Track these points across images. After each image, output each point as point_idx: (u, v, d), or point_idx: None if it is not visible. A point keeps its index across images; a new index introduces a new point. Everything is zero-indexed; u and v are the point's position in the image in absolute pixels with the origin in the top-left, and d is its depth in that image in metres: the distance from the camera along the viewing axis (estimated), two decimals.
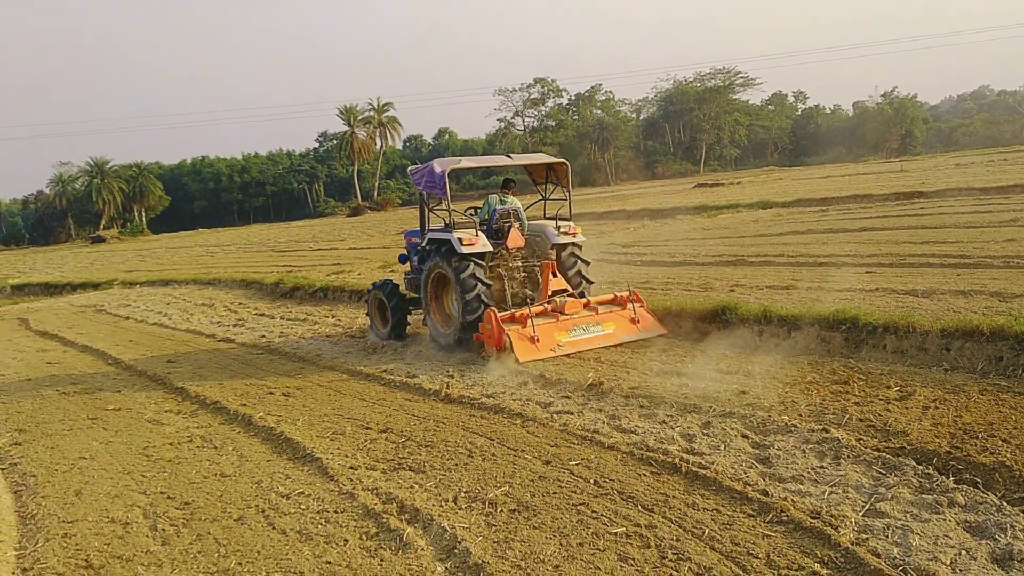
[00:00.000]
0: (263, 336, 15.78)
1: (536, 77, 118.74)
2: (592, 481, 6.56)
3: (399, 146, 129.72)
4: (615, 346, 11.32)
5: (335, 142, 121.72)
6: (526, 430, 8.02)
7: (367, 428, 8.74)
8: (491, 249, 12.02)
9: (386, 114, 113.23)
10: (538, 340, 11.07)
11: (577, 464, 6.95)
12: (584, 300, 11.89)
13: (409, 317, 13.92)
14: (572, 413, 8.34)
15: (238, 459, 8.23)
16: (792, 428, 7.20)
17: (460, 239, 11.73)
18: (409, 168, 13.55)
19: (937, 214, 22.66)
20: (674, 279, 15.88)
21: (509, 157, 12.79)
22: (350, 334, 14.80)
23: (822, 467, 6.39)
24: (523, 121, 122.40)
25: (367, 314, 14.62)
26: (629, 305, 11.94)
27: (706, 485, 6.27)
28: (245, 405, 10.28)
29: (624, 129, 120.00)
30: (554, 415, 8.35)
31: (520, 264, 12.72)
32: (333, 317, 17.17)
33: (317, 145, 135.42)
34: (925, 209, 24.72)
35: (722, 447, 6.97)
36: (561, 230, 12.60)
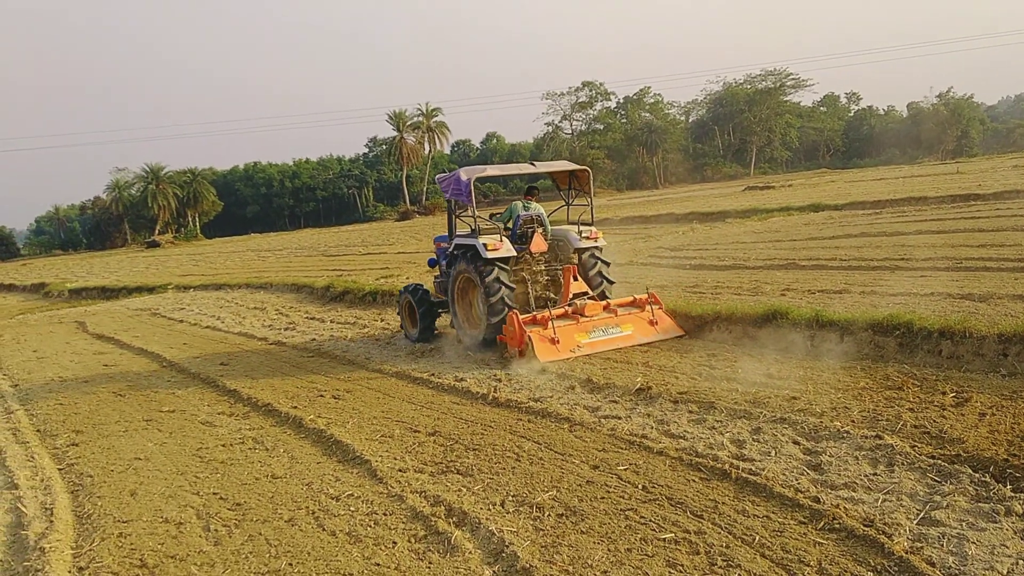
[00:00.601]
0: (313, 339, 15.95)
1: (584, 80, 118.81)
2: (640, 486, 6.53)
3: (447, 151, 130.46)
4: (647, 348, 11.39)
5: (384, 147, 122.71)
6: (574, 434, 8.01)
7: (415, 431, 8.80)
8: (515, 254, 12.50)
9: (435, 119, 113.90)
10: (558, 341, 11.51)
11: (625, 469, 6.92)
12: (604, 302, 12.31)
13: (438, 320, 14.38)
14: (620, 418, 8.32)
15: (289, 461, 8.33)
16: (845, 434, 7.09)
17: (485, 244, 12.20)
18: (437, 176, 14.12)
19: (994, 216, 22.16)
20: (724, 283, 15.74)
21: (533, 165, 13.29)
22: (399, 337, 14.91)
23: (875, 474, 6.29)
24: (571, 125, 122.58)
25: (398, 314, 15.17)
26: (647, 307, 12.37)
27: (756, 492, 6.21)
28: (296, 407, 10.40)
29: (673, 132, 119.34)
30: (602, 420, 8.33)
31: (543, 268, 13.12)
32: (382, 321, 17.31)
33: (367, 150, 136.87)
34: (982, 212, 24.18)
35: (773, 453, 6.89)
36: (583, 235, 12.99)
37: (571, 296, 12.37)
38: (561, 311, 12.05)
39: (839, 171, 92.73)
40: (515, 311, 11.72)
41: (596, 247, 13.15)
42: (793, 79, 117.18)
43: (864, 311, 10.76)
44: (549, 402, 9.23)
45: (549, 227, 13.41)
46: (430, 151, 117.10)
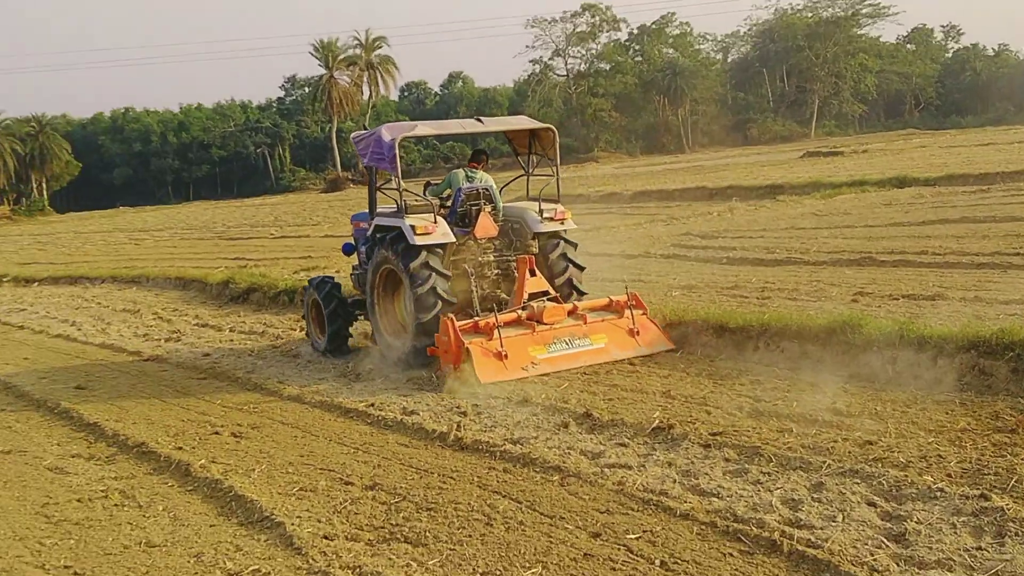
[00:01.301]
0: (207, 354, 15.89)
1: (584, 3, 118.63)
2: (658, 562, 6.54)
3: (394, 96, 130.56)
4: (667, 371, 11.42)
5: (307, 90, 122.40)
6: (567, 490, 8.01)
7: (348, 483, 8.77)
8: (453, 239, 12.77)
9: (377, 52, 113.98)
10: (507, 356, 11.80)
11: (637, 538, 6.93)
12: (569, 305, 12.72)
13: (355, 323, 14.76)
14: (631, 467, 8.32)
15: (171, 523, 8.26)
16: (938, 493, 7.13)
17: (413, 227, 12.40)
18: (352, 135, 14.34)
19: None
20: (774, 283, 15.81)
21: (480, 122, 13.61)
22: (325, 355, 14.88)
23: (980, 548, 6.32)
24: (566, 63, 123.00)
25: (303, 317, 15.58)
26: (627, 312, 12.65)
27: (817, 570, 6.23)
28: (181, 448, 10.33)
29: (705, 76, 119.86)
30: (606, 469, 8.33)
31: (492, 259, 13.43)
32: (302, 330, 17.25)
33: (283, 94, 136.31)
34: None
35: (840, 518, 6.92)
36: (544, 215, 13.26)
37: (526, 296, 12.61)
38: (512, 316, 12.31)
39: (932, 132, 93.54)
40: (450, 316, 11.95)
41: (562, 231, 13.44)
42: (871, 5, 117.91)
43: (966, 324, 10.81)
44: (533, 444, 9.22)
45: (501, 204, 13.67)
46: (371, 96, 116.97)
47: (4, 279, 33.70)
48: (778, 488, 7.58)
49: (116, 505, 8.88)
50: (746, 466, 8.10)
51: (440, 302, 12.37)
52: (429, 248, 12.50)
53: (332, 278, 15.00)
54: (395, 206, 13.31)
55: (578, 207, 36.87)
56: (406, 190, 13.15)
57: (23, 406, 13.47)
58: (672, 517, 7.24)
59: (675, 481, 7.91)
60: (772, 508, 7.21)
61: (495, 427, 10.01)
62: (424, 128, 13.55)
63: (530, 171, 14.23)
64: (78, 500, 9.11)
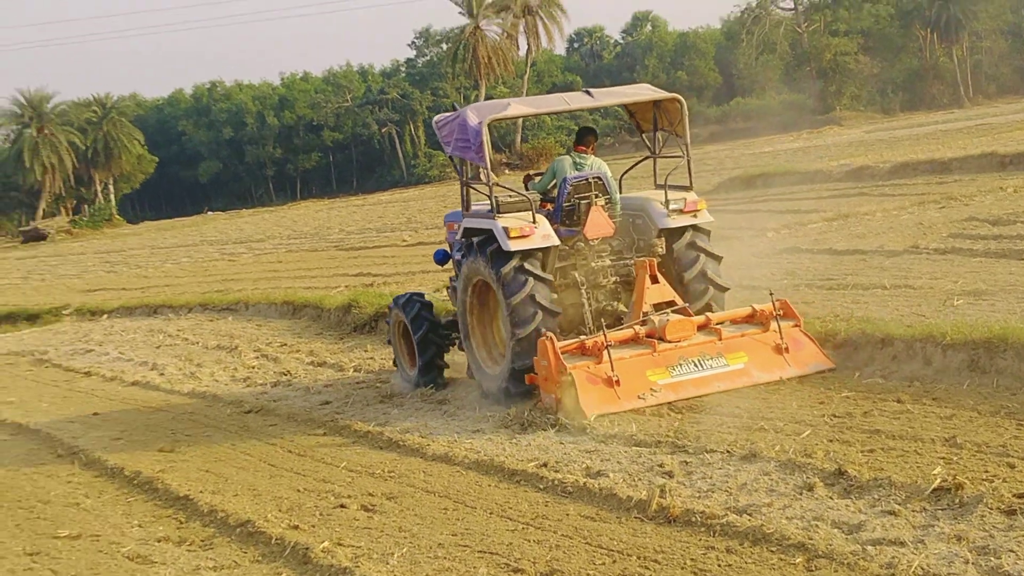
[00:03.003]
0: (325, 402, 16.17)
1: None
2: None
3: (560, 50, 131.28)
4: (949, 411, 11.20)
5: (445, 48, 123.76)
6: None
7: (517, 571, 8.77)
8: (557, 242, 13.32)
9: None
10: (619, 383, 12.54)
11: None
12: (700, 319, 13.35)
13: (451, 348, 15.55)
14: (903, 544, 8.13)
15: None
16: None
17: (506, 228, 12.94)
18: (436, 119, 15.09)
19: None
20: None
21: (589, 95, 14.20)
22: (489, 401, 14.93)
23: None
24: None
25: (388, 342, 16.48)
26: (773, 324, 13.37)
27: None
28: (297, 528, 10.49)
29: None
30: (868, 548, 8.15)
31: (609, 264, 13.95)
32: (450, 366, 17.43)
33: (413, 55, 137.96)
34: None
35: None
36: (672, 206, 13.71)
37: (647, 308, 13.10)
38: (628, 333, 12.88)
39: None
40: (550, 335, 12.44)
41: (695, 226, 13.85)
42: None
43: None
44: (766, 515, 9.10)
45: (617, 196, 14.17)
46: (529, 51, 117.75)
47: (65, 312, 34.82)
48: None
49: None
50: None
51: (541, 313, 12.85)
52: (529, 257, 12.98)
53: (423, 295, 15.83)
54: (490, 204, 13.73)
55: (816, 188, 36.70)
56: (498, 184, 13.68)
57: (93, 477, 13.87)
58: None
59: (967, 562, 7.69)
60: None
61: (712, 491, 9.90)
62: (519, 107, 14.25)
63: (657, 152, 14.78)
64: None
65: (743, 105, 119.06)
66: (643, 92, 14.63)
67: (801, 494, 9.50)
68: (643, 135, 15.10)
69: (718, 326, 13.21)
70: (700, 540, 8.86)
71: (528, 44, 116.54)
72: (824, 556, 8.15)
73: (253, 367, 20.32)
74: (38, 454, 15.54)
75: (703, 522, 9.18)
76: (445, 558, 9.25)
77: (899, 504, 8.94)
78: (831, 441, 10.81)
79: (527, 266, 12.95)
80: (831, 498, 9.35)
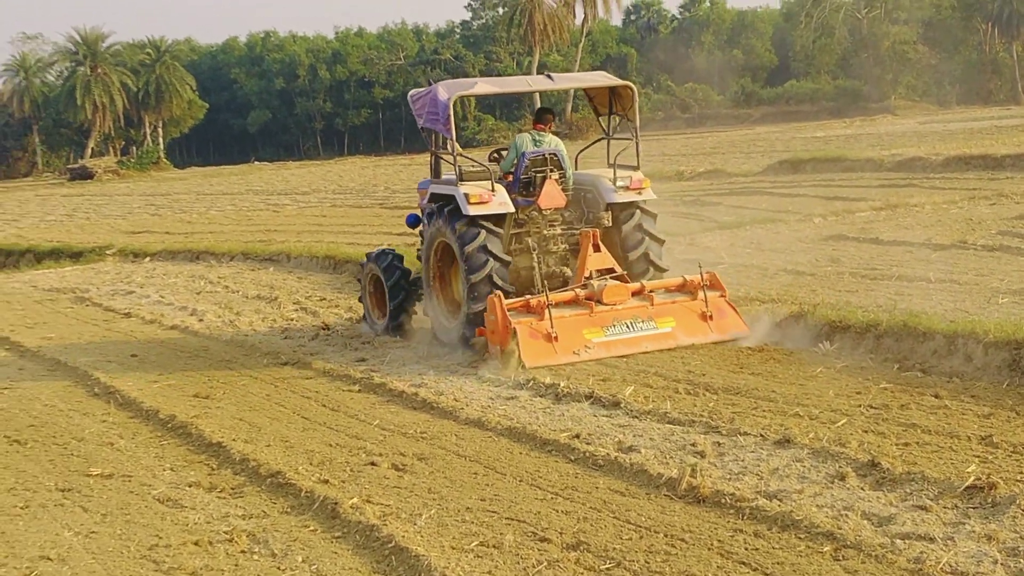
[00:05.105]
0: (362, 359, 16.18)
1: None
2: None
3: (616, 21, 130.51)
4: (983, 403, 11.15)
5: (501, 11, 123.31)
6: (841, 565, 7.87)
7: (543, 540, 8.78)
8: (512, 209, 14.70)
9: None
10: (557, 338, 13.99)
11: None
12: (635, 285, 14.82)
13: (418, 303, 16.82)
14: (933, 540, 8.11)
15: None
16: None
17: (467, 195, 14.25)
18: (410, 93, 16.55)
19: None
20: None
21: (550, 78, 16.02)
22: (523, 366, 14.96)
23: None
24: None
25: (359, 299, 17.78)
26: (701, 293, 14.74)
27: None
28: (327, 482, 10.55)
29: None
30: (897, 541, 8.14)
31: (559, 232, 15.36)
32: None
33: (468, 16, 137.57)
34: None
35: None
36: (619, 183, 15.01)
37: (587, 274, 14.41)
38: (569, 295, 14.20)
39: None
40: (498, 293, 13.68)
41: (643, 210, 15.26)
42: None
43: None
44: (796, 501, 9.09)
45: (571, 171, 15.49)
46: (585, 21, 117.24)
47: (108, 251, 34.90)
48: None
49: (243, 552, 9.08)
50: None
51: (492, 260, 14.33)
52: (486, 222, 14.59)
53: (393, 251, 16.96)
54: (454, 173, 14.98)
55: (865, 176, 36.50)
56: (462, 155, 14.94)
57: (128, 418, 13.97)
58: None
59: (996, 562, 7.66)
60: None
61: (743, 474, 9.90)
62: (484, 86, 15.86)
63: (610, 134, 16.04)
64: (195, 543, 9.32)
65: (797, 88, 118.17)
66: (599, 78, 16.29)
67: (833, 483, 9.50)
68: (599, 118, 16.49)
69: (651, 293, 14.44)
70: (728, 522, 8.88)
71: (585, 13, 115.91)
72: (852, 546, 8.15)
73: (292, 319, 20.39)
74: (74, 392, 15.63)
75: (732, 504, 9.20)
76: (472, 522, 9.30)
77: (931, 500, 8.92)
78: (866, 432, 10.79)
79: (490, 246, 14.22)
80: (863, 489, 9.34)
